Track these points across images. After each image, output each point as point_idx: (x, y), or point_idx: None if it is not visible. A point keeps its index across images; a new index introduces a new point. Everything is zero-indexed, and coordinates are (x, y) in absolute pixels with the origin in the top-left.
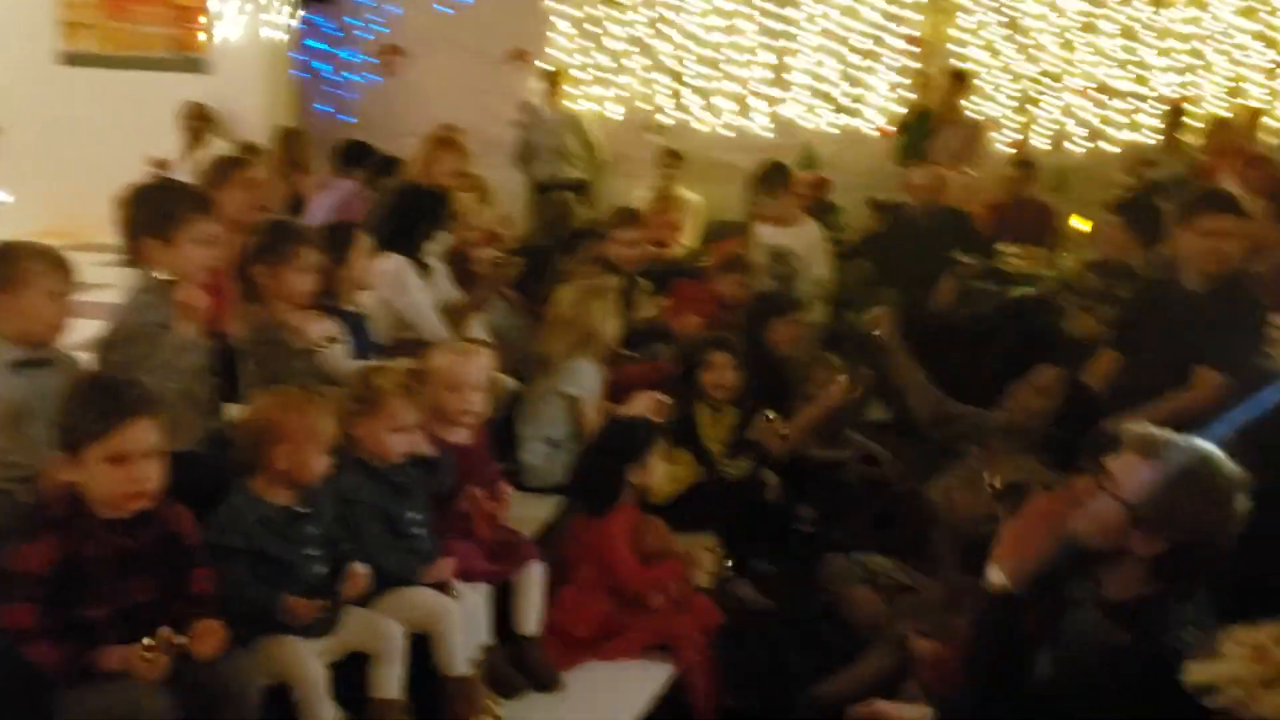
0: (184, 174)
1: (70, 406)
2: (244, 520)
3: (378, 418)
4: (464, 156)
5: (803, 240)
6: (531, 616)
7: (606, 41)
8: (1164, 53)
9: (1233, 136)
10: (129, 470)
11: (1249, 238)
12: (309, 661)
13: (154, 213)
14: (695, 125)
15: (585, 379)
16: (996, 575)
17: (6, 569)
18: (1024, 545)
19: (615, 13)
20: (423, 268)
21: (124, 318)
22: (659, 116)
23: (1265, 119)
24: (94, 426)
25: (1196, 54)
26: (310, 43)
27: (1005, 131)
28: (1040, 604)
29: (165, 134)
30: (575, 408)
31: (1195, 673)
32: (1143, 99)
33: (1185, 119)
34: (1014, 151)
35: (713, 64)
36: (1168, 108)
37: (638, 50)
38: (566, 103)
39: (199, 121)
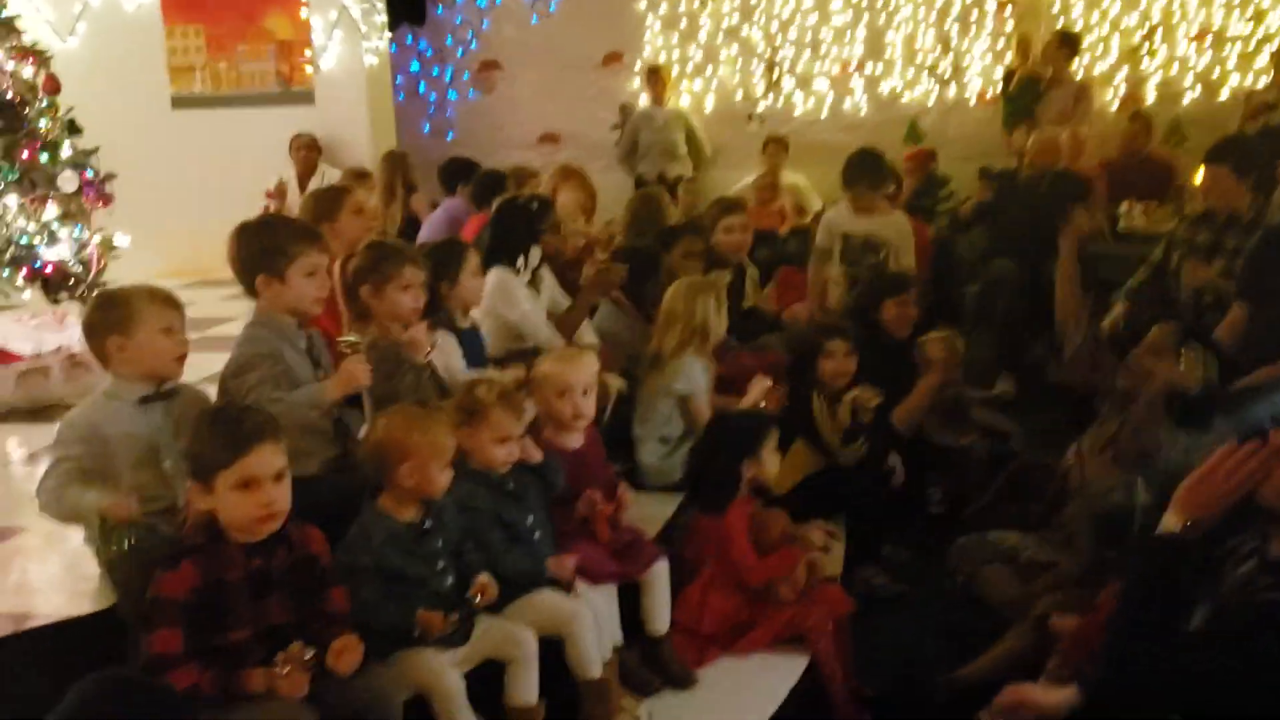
0: (299, 203)
1: (197, 437)
2: (373, 539)
3: (482, 429)
4: (586, 185)
5: (892, 228)
6: (660, 615)
7: (699, 34)
8: None
9: None
10: (257, 495)
11: None
12: (446, 672)
13: (262, 249)
14: (793, 110)
15: (695, 376)
16: (1171, 520)
17: (152, 597)
18: (1207, 492)
19: (706, 5)
20: (532, 277)
21: (240, 350)
22: (757, 105)
23: None
24: (221, 455)
25: None
26: (410, 67)
27: (1115, 87)
28: (1204, 554)
29: (276, 168)
30: (687, 405)
31: None
32: (1258, 41)
33: None
34: (1126, 107)
35: (807, 46)
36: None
37: (730, 40)
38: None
39: (310, 151)
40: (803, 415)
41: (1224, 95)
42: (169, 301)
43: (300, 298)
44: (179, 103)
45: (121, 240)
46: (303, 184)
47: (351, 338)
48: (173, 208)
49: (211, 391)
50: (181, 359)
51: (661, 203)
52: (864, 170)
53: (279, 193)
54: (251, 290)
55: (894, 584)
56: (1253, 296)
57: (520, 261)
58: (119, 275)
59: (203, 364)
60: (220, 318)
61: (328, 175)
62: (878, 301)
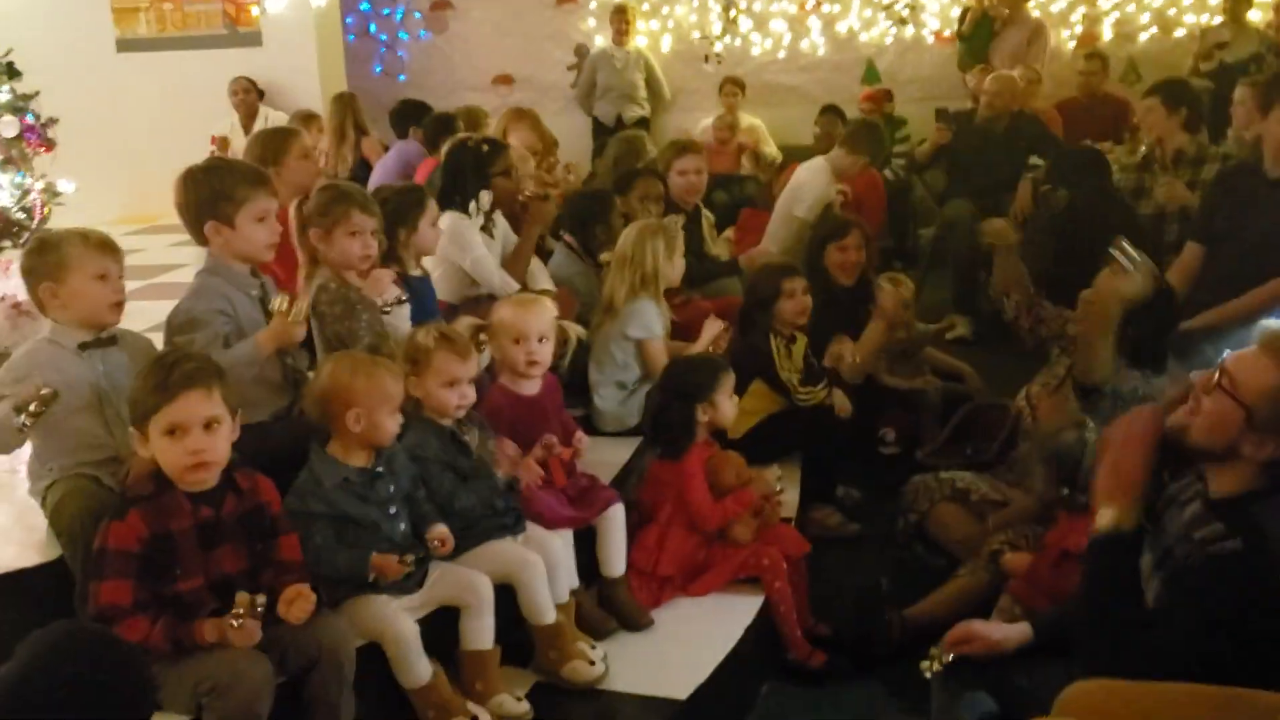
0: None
1: (137, 384)
2: (323, 485)
3: (427, 374)
4: (537, 127)
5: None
6: (616, 558)
7: None
8: None
9: None
10: (185, 441)
11: None
12: (399, 619)
13: (210, 195)
14: (750, 50)
15: (649, 319)
16: (1104, 517)
17: (100, 548)
18: (1125, 477)
19: None
20: (486, 222)
21: (187, 303)
22: (714, 45)
23: None
24: (150, 399)
25: None
26: (360, 5)
27: (1071, 26)
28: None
29: (225, 111)
30: (642, 349)
31: None
32: None
33: None
34: (1082, 46)
35: None
36: None
37: None
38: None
39: (249, 95)
40: (761, 358)
41: (1179, 34)
42: (104, 246)
43: (251, 244)
44: (124, 45)
45: (66, 186)
46: (246, 128)
47: (278, 301)
48: (118, 153)
49: (158, 339)
50: (118, 305)
51: (643, 146)
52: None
53: (222, 144)
54: (200, 238)
55: (848, 524)
56: (1204, 238)
57: (472, 206)
58: (65, 222)
59: (151, 311)
60: (169, 264)
61: (270, 118)
62: (821, 247)
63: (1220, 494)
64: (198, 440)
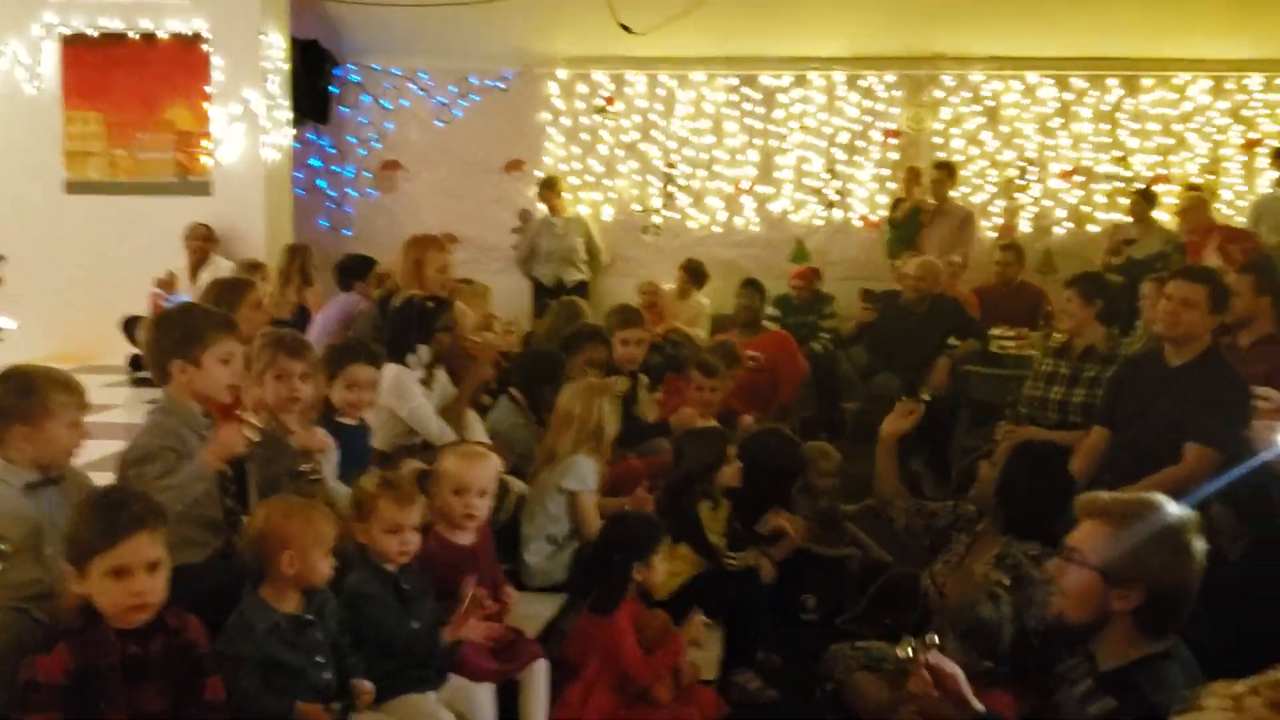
0: (189, 293)
1: (76, 521)
2: (254, 629)
3: (371, 520)
4: (446, 253)
5: None
6: (537, 715)
7: (599, 148)
8: (1140, 134)
9: (1208, 213)
10: (129, 583)
11: (1230, 313)
12: None
13: (180, 335)
14: (688, 224)
15: (585, 473)
16: None
17: (26, 680)
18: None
19: (606, 120)
20: (428, 373)
21: (143, 440)
22: (653, 217)
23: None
24: (96, 541)
25: (1173, 135)
26: (310, 161)
27: (992, 218)
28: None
29: (171, 256)
30: (575, 502)
31: None
32: (1123, 180)
33: (1157, 199)
34: (1001, 237)
35: (702, 164)
36: (1139, 188)
37: (629, 155)
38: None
39: (205, 242)
40: (689, 522)
41: (1092, 229)
42: (79, 391)
43: (213, 383)
44: (74, 188)
45: (6, 323)
46: (194, 274)
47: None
48: (62, 292)
49: (95, 478)
50: (76, 449)
51: (582, 310)
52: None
53: (167, 283)
54: (162, 376)
55: (767, 690)
56: (1109, 421)
57: (412, 358)
58: (1, 357)
59: (83, 450)
60: (103, 404)
61: (220, 265)
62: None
63: (1108, 666)
64: (141, 582)
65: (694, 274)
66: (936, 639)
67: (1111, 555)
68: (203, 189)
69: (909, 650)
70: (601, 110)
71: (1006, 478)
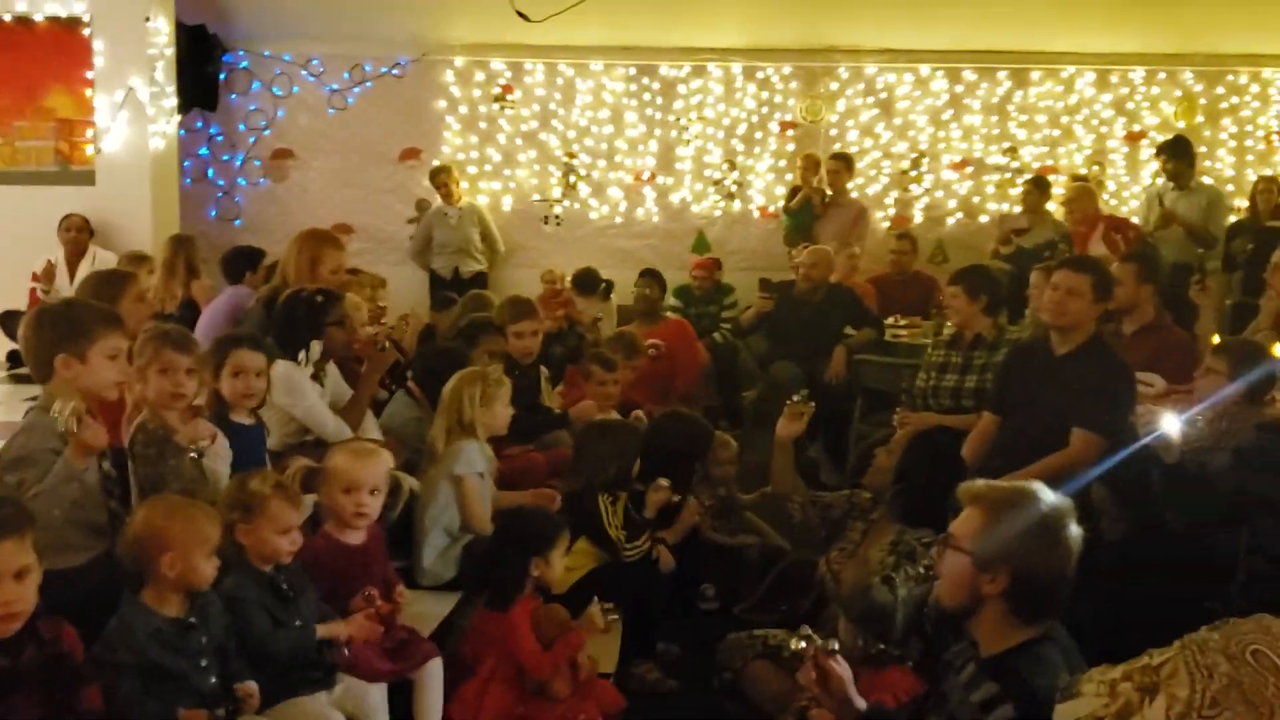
0: (68, 287)
1: None
2: (135, 634)
3: (260, 522)
4: (343, 252)
5: None
6: (432, 714)
7: (498, 136)
8: (1029, 126)
9: (1094, 203)
10: None
11: (1114, 301)
12: None
13: (67, 330)
14: (589, 214)
15: (472, 458)
16: None
17: None
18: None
19: (505, 109)
20: (317, 369)
21: (20, 440)
22: (554, 207)
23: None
24: None
25: (1061, 127)
26: (198, 150)
27: (886, 208)
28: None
29: (51, 249)
30: (460, 487)
31: (1059, 714)
32: (1014, 171)
33: (1049, 189)
34: (895, 227)
35: (602, 154)
36: (1029, 178)
37: (528, 145)
38: (465, 197)
39: (80, 233)
40: (588, 516)
41: (983, 219)
42: None
43: (100, 380)
44: None
45: None
46: (72, 266)
47: (57, 406)
48: None
49: None
50: None
51: (490, 303)
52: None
53: (47, 275)
54: (44, 373)
55: (666, 680)
56: (998, 408)
57: (302, 355)
58: None
59: None
60: None
61: (99, 258)
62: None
63: (990, 653)
64: (8, 591)
65: (581, 284)
66: (836, 645)
67: (982, 541)
68: (86, 178)
69: (802, 643)
70: (500, 99)
71: (904, 466)
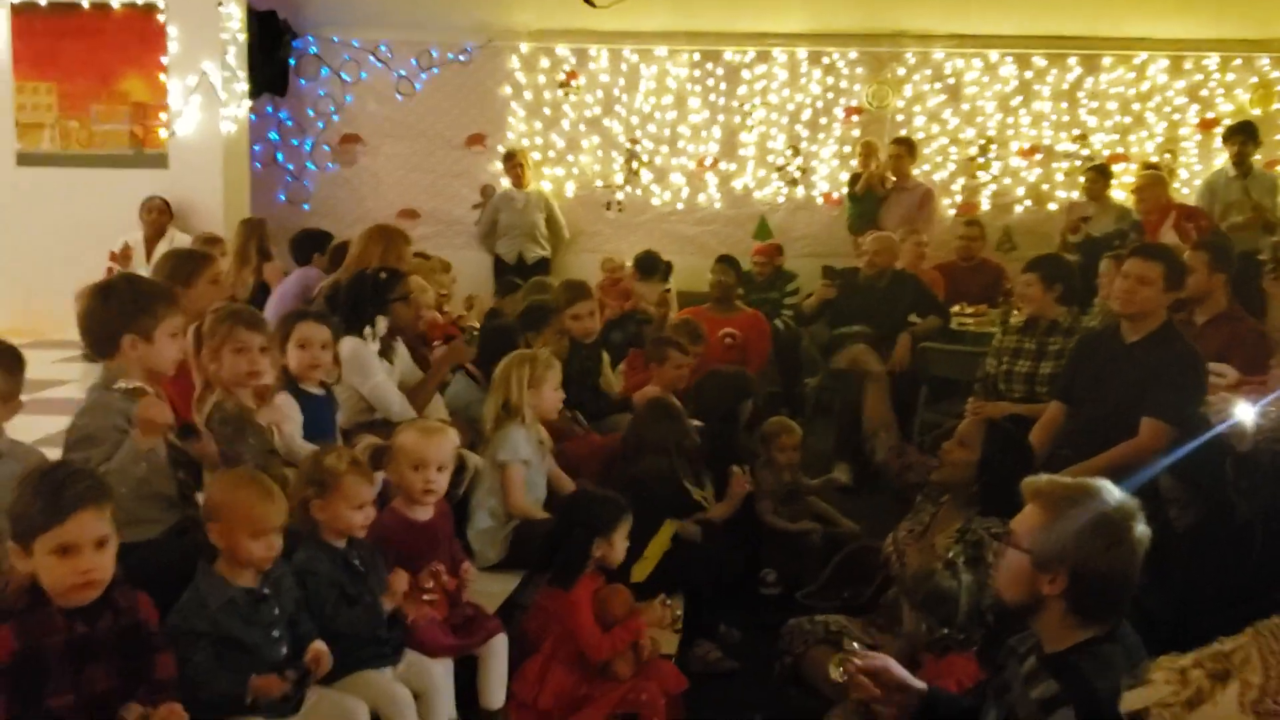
0: (144, 268)
1: (20, 498)
2: (208, 605)
3: (335, 498)
4: (409, 246)
5: None
6: (496, 689)
7: (561, 123)
8: (1099, 114)
9: (1165, 192)
10: (75, 561)
11: (1186, 290)
12: None
13: (129, 309)
14: (651, 200)
15: (515, 443)
16: None
17: None
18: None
19: (569, 95)
20: (385, 348)
21: (84, 420)
22: (616, 194)
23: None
24: (40, 519)
25: (1132, 114)
26: (268, 134)
27: (953, 195)
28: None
29: (125, 230)
30: (503, 473)
31: (1127, 701)
32: (1082, 159)
33: (1113, 177)
34: (962, 214)
35: (665, 141)
36: (1095, 166)
37: (591, 130)
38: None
39: (161, 215)
40: (668, 484)
41: (1052, 207)
42: (9, 362)
43: (164, 359)
44: (25, 159)
45: None
46: (150, 247)
47: (121, 384)
48: (12, 266)
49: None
50: (8, 419)
51: (552, 289)
52: None
53: (124, 256)
54: (107, 350)
55: (727, 661)
56: (1067, 396)
57: (367, 331)
58: None
59: (34, 426)
60: (53, 380)
61: (176, 239)
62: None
63: (1052, 649)
64: (89, 560)
65: (643, 267)
66: (856, 645)
67: (1041, 540)
68: (159, 161)
69: (840, 671)
70: (564, 85)
71: (986, 458)
